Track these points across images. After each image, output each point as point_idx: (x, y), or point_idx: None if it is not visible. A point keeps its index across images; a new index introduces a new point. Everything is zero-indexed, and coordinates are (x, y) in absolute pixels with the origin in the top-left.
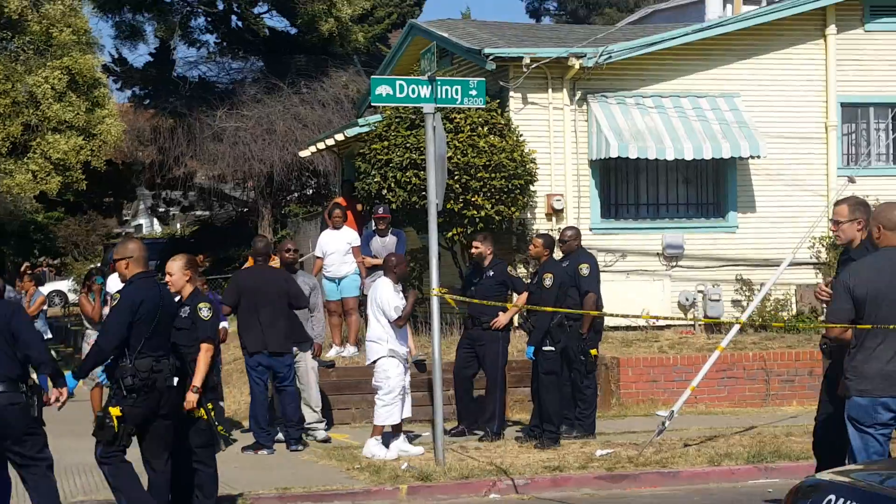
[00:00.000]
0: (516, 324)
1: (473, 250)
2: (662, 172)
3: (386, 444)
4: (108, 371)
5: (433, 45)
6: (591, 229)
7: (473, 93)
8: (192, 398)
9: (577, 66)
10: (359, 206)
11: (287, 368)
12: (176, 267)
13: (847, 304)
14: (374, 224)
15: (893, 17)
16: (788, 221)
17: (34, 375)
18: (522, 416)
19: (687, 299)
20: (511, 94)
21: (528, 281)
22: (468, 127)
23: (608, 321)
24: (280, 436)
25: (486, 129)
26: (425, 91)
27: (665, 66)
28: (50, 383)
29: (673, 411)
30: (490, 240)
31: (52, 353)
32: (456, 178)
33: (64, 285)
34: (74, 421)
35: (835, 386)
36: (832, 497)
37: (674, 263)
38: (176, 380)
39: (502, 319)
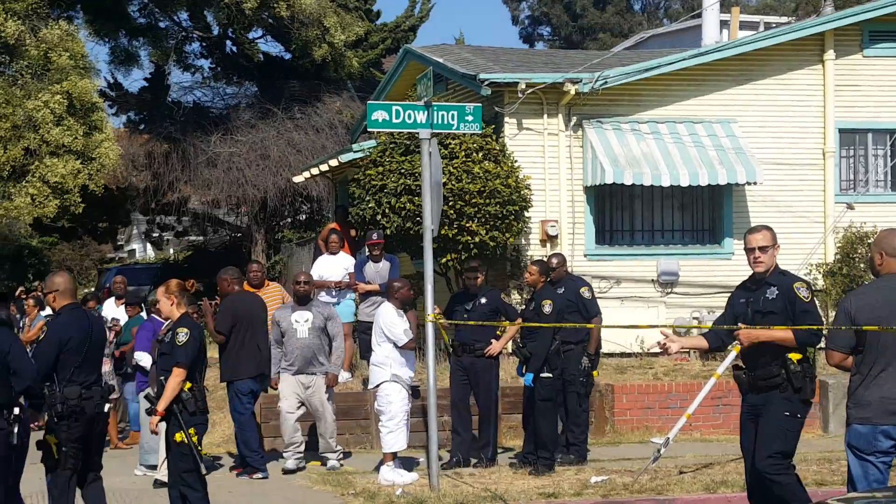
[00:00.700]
0: (510, 350)
1: (473, 280)
2: (658, 199)
3: (408, 468)
4: (34, 402)
5: (429, 71)
6: (585, 255)
7: (469, 118)
8: (153, 420)
9: (572, 92)
10: (352, 232)
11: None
12: (160, 292)
13: (848, 332)
14: (367, 250)
15: (892, 42)
16: (785, 248)
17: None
18: (516, 443)
19: (682, 325)
20: (506, 119)
21: (523, 307)
22: (463, 153)
23: (603, 347)
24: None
25: (480, 154)
26: (421, 116)
27: (661, 91)
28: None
29: (668, 438)
30: (482, 267)
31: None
32: (450, 203)
33: None
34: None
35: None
36: None
37: (669, 290)
38: (107, 406)
39: (496, 347)
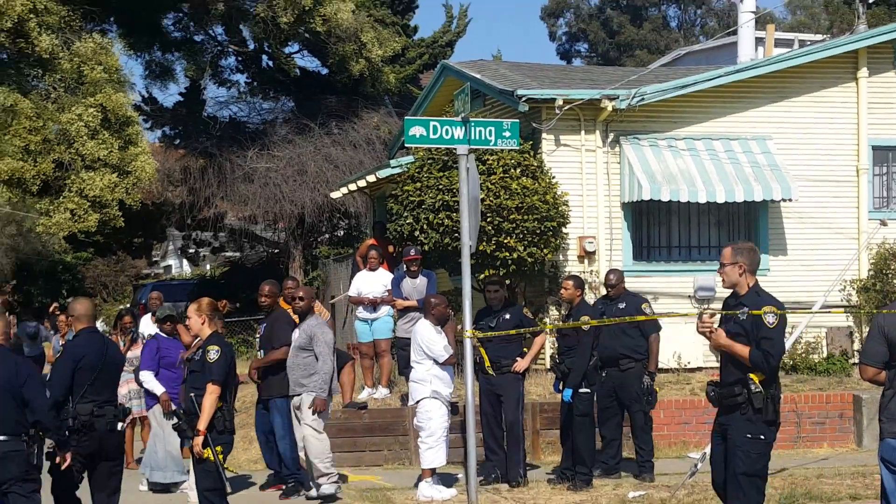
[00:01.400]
0: (547, 366)
1: (494, 294)
2: (694, 215)
3: (447, 484)
4: (49, 436)
5: (467, 86)
6: (624, 270)
7: (507, 134)
8: (197, 441)
9: (609, 108)
10: (390, 248)
11: None
12: (192, 310)
13: (881, 346)
14: (405, 266)
15: None
16: (820, 264)
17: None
18: (554, 458)
19: None
20: (544, 135)
21: (562, 322)
22: (500, 169)
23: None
24: None
25: (518, 170)
26: (459, 132)
27: (697, 108)
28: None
29: (705, 453)
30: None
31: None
32: (488, 219)
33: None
34: None
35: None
36: None
37: (706, 306)
38: (120, 425)
39: (522, 364)
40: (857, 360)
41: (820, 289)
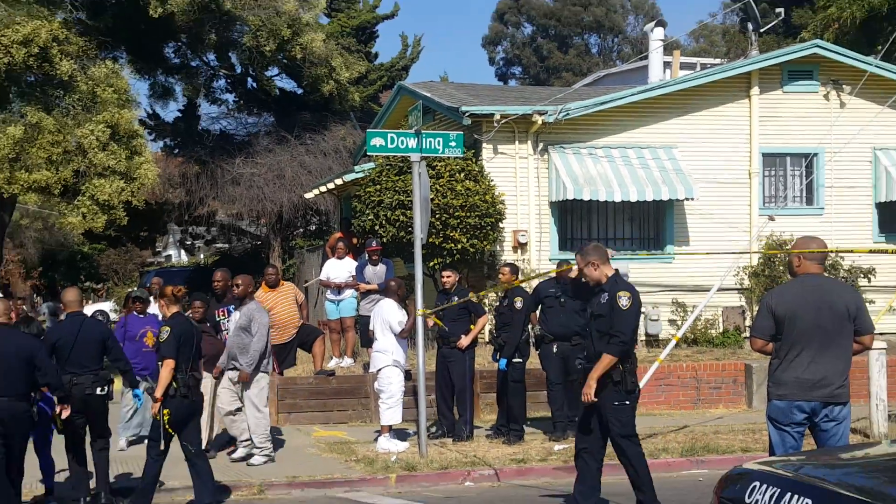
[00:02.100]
0: (487, 340)
1: (445, 279)
2: (611, 212)
3: (401, 438)
4: (57, 394)
5: (419, 104)
6: (550, 260)
7: (453, 144)
8: (154, 405)
9: (539, 122)
10: (354, 240)
11: None
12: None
13: (769, 322)
14: (367, 255)
15: (808, 80)
16: (717, 254)
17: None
18: (491, 417)
19: None
20: (484, 145)
21: (498, 304)
22: (447, 173)
23: None
24: None
25: (462, 175)
26: (412, 143)
27: (614, 121)
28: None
29: None
30: (456, 271)
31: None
32: (437, 216)
33: (107, 306)
34: None
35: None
36: (756, 483)
37: None
38: (99, 389)
39: (464, 341)
40: (748, 335)
41: (717, 274)
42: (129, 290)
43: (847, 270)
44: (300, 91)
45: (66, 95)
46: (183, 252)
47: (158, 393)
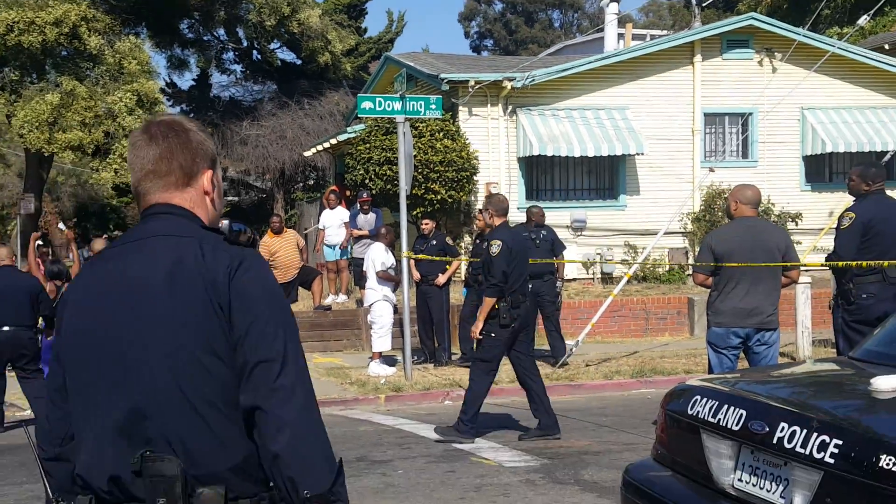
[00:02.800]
0: (462, 278)
1: (424, 226)
2: (571, 166)
3: (389, 364)
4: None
5: (403, 72)
6: (518, 208)
7: (433, 107)
8: None
9: (509, 87)
10: (347, 192)
11: None
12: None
13: (709, 258)
14: (358, 205)
15: (744, 48)
16: (664, 202)
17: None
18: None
19: (589, 259)
20: (460, 108)
21: (473, 246)
22: (428, 133)
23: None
24: None
25: (441, 134)
26: (398, 106)
27: (574, 86)
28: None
29: (578, 341)
30: (433, 219)
31: None
32: (419, 171)
33: None
34: None
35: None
36: (698, 397)
37: (579, 233)
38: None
39: (441, 279)
40: (691, 272)
41: (664, 220)
42: None
43: (777, 215)
44: (299, 62)
45: (96, 67)
46: None
47: None
